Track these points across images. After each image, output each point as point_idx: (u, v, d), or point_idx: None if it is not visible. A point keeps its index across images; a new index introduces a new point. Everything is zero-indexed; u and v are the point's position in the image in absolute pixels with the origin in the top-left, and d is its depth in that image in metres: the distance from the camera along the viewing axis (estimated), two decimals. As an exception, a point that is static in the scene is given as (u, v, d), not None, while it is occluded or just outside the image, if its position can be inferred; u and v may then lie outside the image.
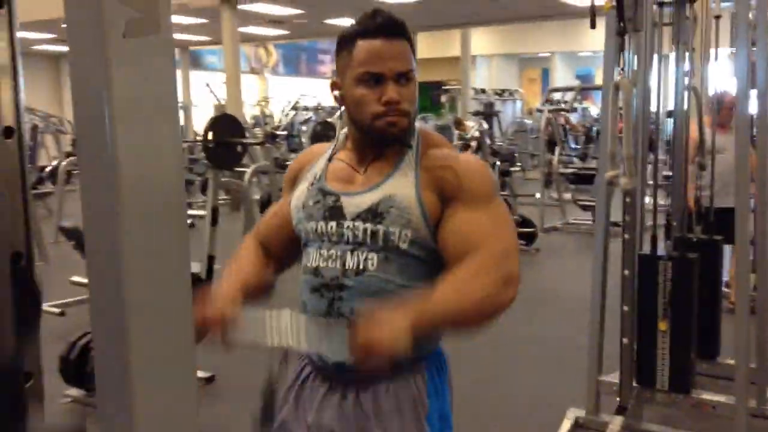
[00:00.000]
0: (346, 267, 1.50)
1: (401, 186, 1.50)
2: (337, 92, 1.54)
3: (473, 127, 9.60)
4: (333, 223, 1.52)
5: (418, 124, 1.56)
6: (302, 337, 1.41)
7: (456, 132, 10.46)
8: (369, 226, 1.49)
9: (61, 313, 4.83)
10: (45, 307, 4.43)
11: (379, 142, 1.52)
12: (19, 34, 1.06)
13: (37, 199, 8.57)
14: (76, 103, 0.54)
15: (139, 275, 0.60)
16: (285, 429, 1.61)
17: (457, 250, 1.45)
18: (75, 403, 3.65)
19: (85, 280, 0.53)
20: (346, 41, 1.50)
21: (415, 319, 1.35)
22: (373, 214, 1.49)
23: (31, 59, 17.25)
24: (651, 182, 3.62)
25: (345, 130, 1.62)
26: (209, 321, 1.45)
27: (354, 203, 1.52)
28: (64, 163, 8.36)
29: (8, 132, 0.89)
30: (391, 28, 1.47)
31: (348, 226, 1.51)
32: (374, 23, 1.47)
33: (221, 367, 4.02)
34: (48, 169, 8.84)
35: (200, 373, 3.91)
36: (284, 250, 1.69)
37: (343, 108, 1.56)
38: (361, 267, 1.49)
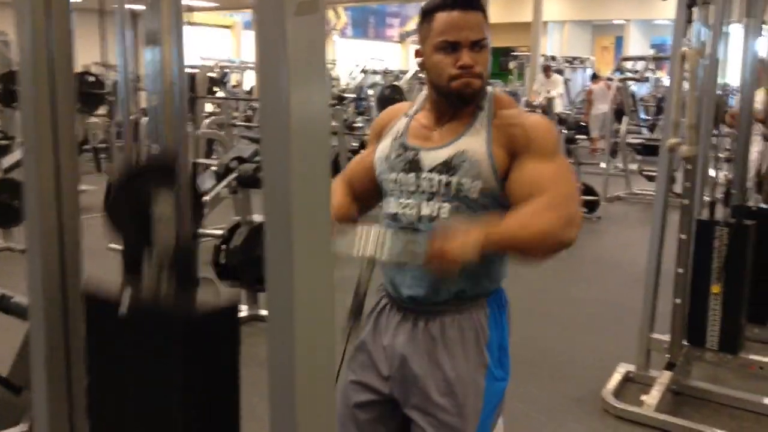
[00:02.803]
0: (422, 214, 1.70)
1: (473, 142, 1.68)
2: (419, 59, 1.74)
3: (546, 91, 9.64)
4: (412, 175, 1.72)
5: (489, 88, 1.75)
6: (386, 249, 1.61)
7: (523, 99, 10.51)
8: (444, 177, 1.68)
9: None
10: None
11: (455, 103, 1.71)
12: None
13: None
14: (261, 64, 0.78)
15: (302, 193, 0.83)
16: (364, 349, 1.82)
17: (524, 194, 1.62)
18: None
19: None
20: (427, 14, 1.69)
21: (485, 236, 1.55)
22: (447, 166, 1.68)
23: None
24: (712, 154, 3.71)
25: (425, 92, 1.82)
26: None
27: (431, 157, 1.71)
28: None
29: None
30: (466, 1, 1.65)
31: (425, 177, 1.70)
32: None
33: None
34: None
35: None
36: (366, 194, 1.89)
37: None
38: (434, 215, 1.68)
